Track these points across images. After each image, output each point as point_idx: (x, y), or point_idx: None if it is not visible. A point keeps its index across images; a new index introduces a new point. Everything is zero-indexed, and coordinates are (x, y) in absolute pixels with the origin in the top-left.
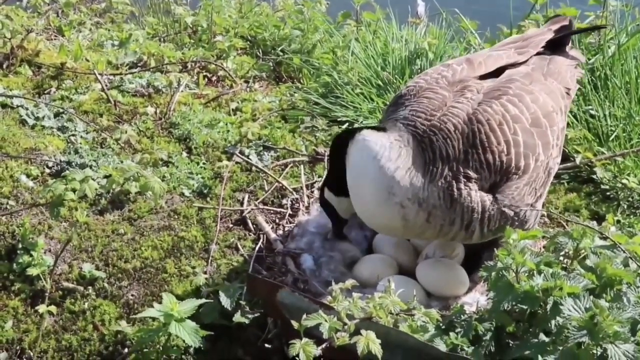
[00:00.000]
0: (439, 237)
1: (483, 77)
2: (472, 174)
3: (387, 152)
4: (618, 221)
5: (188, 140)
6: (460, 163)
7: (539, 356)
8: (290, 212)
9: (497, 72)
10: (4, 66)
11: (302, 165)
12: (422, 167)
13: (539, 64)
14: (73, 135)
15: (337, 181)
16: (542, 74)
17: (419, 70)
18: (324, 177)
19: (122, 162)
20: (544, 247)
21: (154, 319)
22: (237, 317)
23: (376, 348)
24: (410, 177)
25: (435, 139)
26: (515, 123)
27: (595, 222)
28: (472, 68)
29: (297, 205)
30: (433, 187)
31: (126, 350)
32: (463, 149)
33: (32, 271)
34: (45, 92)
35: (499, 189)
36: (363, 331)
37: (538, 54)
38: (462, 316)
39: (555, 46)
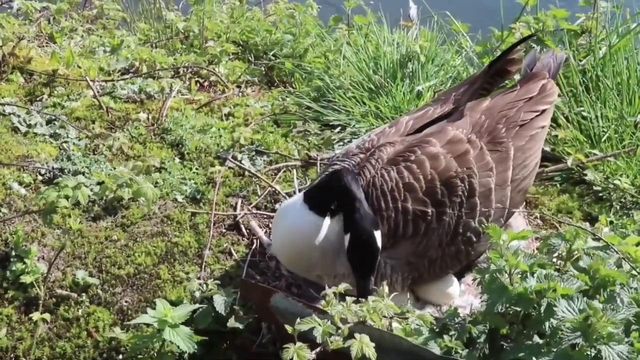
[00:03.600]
0: None
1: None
2: None
3: (326, 234)
4: (611, 222)
5: (180, 145)
6: None
7: (534, 358)
8: None
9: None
10: None
11: (294, 170)
12: (340, 237)
13: (471, 115)
14: (65, 142)
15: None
16: (468, 127)
17: (411, 74)
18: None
19: (114, 168)
20: (537, 248)
21: (148, 325)
22: (231, 322)
23: (370, 351)
24: (331, 257)
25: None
26: (407, 191)
27: (588, 224)
28: (397, 130)
29: None
30: (343, 257)
31: (120, 356)
32: None
33: (26, 279)
34: (37, 99)
35: (389, 250)
36: (357, 335)
37: (481, 93)
38: (455, 319)
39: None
